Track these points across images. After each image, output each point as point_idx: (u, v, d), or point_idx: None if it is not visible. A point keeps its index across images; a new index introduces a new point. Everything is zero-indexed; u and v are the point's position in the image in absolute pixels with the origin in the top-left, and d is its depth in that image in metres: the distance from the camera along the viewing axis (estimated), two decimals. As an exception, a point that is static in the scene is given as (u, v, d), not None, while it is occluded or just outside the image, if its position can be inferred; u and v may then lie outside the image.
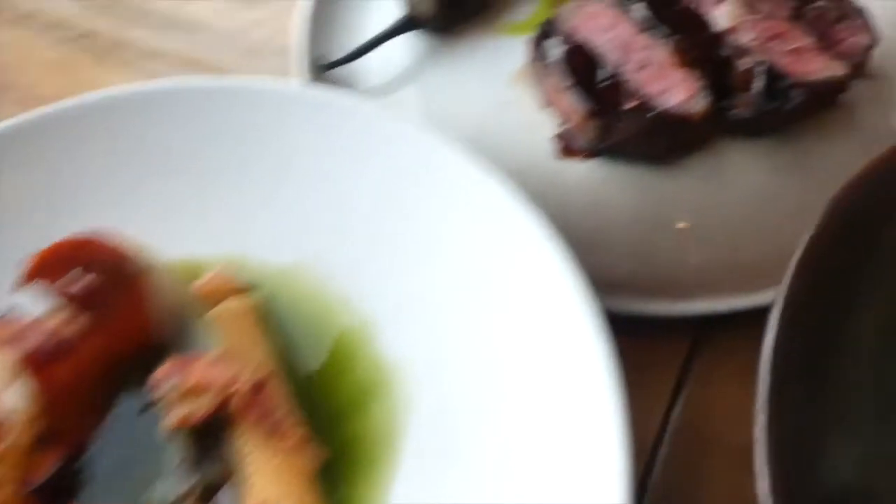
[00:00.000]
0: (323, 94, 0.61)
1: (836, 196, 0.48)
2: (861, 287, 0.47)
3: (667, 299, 0.57)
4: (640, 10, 0.65)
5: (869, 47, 0.65)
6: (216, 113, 0.59)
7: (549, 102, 0.66)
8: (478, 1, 0.72)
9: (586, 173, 0.64)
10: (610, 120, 0.61)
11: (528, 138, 0.66)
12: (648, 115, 0.61)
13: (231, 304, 0.54)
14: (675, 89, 0.61)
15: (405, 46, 0.71)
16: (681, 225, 0.61)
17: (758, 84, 0.61)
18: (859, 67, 0.66)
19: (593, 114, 0.62)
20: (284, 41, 0.72)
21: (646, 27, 0.64)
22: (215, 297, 0.54)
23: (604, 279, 0.56)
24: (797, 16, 0.66)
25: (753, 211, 0.61)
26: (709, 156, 0.64)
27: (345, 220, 0.57)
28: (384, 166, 0.58)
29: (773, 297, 0.44)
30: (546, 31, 0.66)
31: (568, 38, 0.65)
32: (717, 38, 0.64)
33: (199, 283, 0.55)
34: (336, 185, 0.58)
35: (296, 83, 0.66)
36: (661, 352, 0.57)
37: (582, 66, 0.64)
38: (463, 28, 0.73)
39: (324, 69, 0.69)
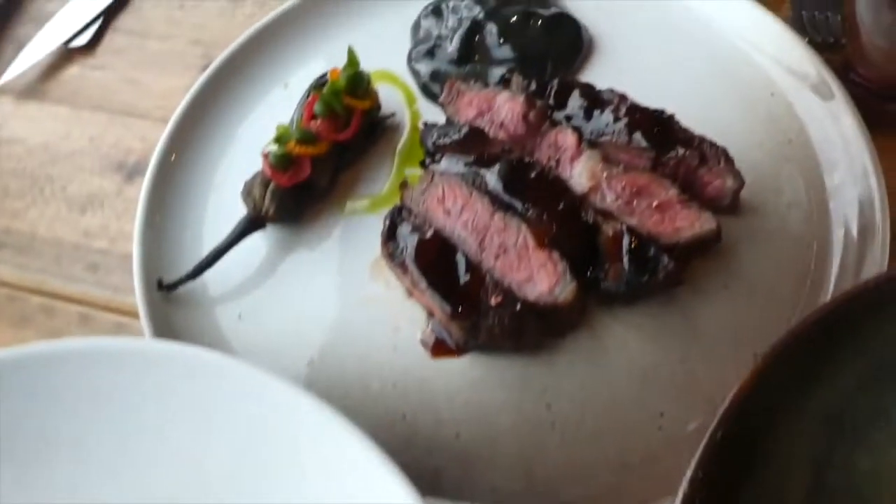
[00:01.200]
0: (164, 349, 0.55)
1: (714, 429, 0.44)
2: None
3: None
4: (493, 184, 0.61)
5: (737, 190, 0.62)
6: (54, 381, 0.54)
7: (412, 295, 0.61)
8: (322, 188, 0.67)
9: (461, 372, 0.59)
10: (475, 319, 0.57)
11: (395, 339, 0.61)
12: (514, 309, 0.56)
13: None
14: (538, 276, 0.57)
15: (255, 247, 0.66)
16: (564, 419, 0.56)
17: (626, 259, 0.57)
18: (729, 210, 0.63)
19: (456, 315, 0.57)
20: (127, 248, 0.66)
21: (500, 206, 0.60)
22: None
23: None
24: (658, 165, 0.62)
25: (637, 394, 0.57)
26: (586, 333, 0.59)
27: (197, 478, 0.52)
28: (235, 423, 0.52)
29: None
30: (395, 221, 0.61)
31: (419, 227, 0.60)
32: (579, 203, 0.60)
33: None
34: (186, 441, 0.52)
35: (134, 341, 0.60)
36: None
37: (438, 258, 0.59)
38: (314, 214, 0.68)
39: (170, 288, 0.63)
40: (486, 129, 0.65)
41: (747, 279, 0.61)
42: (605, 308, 0.60)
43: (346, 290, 0.64)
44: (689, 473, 0.41)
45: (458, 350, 0.59)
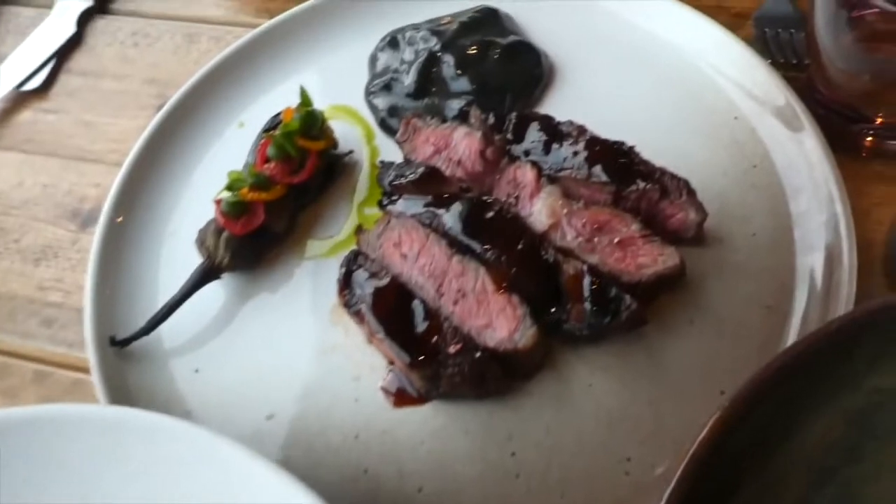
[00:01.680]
0: (113, 415, 0.54)
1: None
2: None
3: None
4: (451, 226, 0.60)
5: (700, 222, 0.60)
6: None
7: (371, 342, 0.60)
8: (279, 232, 0.65)
9: (424, 421, 0.57)
10: (435, 368, 0.55)
11: (356, 389, 0.59)
12: (474, 357, 0.55)
13: None
14: (498, 321, 0.56)
15: (212, 297, 0.64)
16: (529, 467, 0.54)
17: (588, 300, 0.55)
18: (695, 241, 0.61)
19: (415, 365, 0.55)
20: (82, 301, 0.64)
21: (458, 249, 0.58)
22: None
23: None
24: (619, 199, 0.61)
25: (603, 439, 0.55)
26: (552, 374, 0.58)
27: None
28: (188, 489, 0.51)
29: None
30: (350, 267, 0.60)
31: (375, 273, 0.59)
32: (539, 242, 0.59)
33: None
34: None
35: (83, 408, 0.58)
36: None
37: (395, 306, 0.58)
38: (272, 260, 0.66)
39: (123, 343, 0.61)
40: (444, 167, 0.64)
41: (714, 313, 0.59)
42: (570, 347, 0.59)
43: (305, 338, 0.62)
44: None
45: (421, 398, 0.57)
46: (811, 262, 0.59)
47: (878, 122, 0.66)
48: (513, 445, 0.55)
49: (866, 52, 0.63)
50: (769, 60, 0.70)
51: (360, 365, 0.60)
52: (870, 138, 0.67)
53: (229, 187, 0.63)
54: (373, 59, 0.76)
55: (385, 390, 0.58)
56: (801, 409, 0.46)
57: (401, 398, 0.58)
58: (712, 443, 0.43)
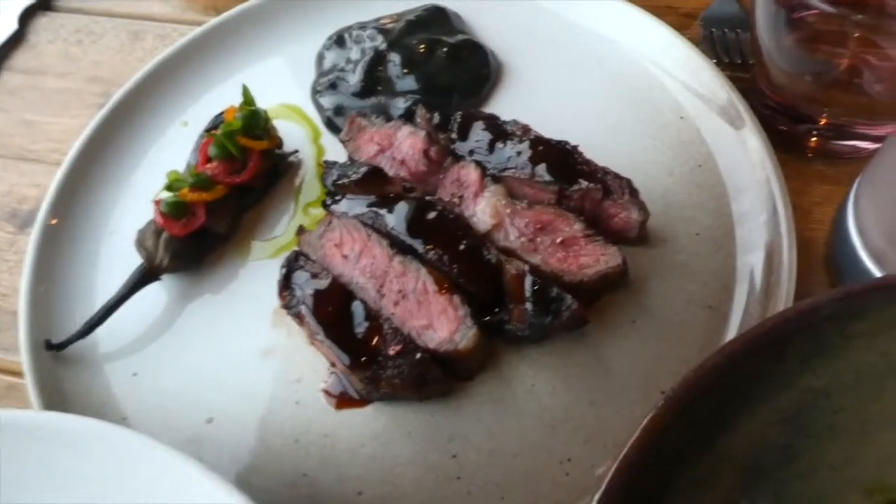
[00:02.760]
0: (44, 420, 0.53)
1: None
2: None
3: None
4: (393, 226, 0.59)
5: (642, 222, 0.60)
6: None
7: (313, 344, 0.59)
8: (222, 233, 0.64)
9: (365, 423, 0.56)
10: (375, 370, 0.54)
11: (297, 391, 0.58)
12: (414, 358, 0.54)
13: None
14: (438, 322, 0.55)
15: (152, 299, 0.63)
16: (471, 470, 0.54)
17: (529, 300, 0.55)
18: (639, 241, 0.61)
19: (355, 367, 0.54)
20: (16, 305, 0.63)
21: (400, 250, 0.58)
22: None
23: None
24: (562, 199, 0.60)
25: (545, 440, 0.55)
26: (494, 375, 0.57)
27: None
28: (122, 494, 0.50)
29: None
30: (291, 268, 0.59)
31: (316, 275, 0.58)
32: (482, 242, 0.58)
33: None
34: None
35: (11, 414, 0.56)
36: None
37: (336, 307, 0.57)
38: (214, 260, 0.65)
39: (59, 347, 0.60)
40: (387, 167, 0.63)
41: (657, 313, 0.59)
42: (513, 348, 0.58)
43: (246, 340, 0.61)
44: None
45: (362, 401, 0.57)
46: (752, 261, 0.59)
47: (822, 123, 0.66)
48: (454, 447, 0.55)
49: (807, 53, 0.63)
50: (714, 60, 0.71)
51: (302, 367, 0.59)
52: (815, 139, 0.67)
53: (169, 187, 0.62)
54: (319, 58, 0.75)
55: (326, 392, 0.58)
56: (734, 409, 0.46)
57: (342, 400, 0.57)
58: (644, 445, 0.42)
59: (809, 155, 0.68)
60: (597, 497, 0.41)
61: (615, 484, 0.41)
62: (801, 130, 0.67)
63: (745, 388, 0.46)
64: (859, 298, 0.45)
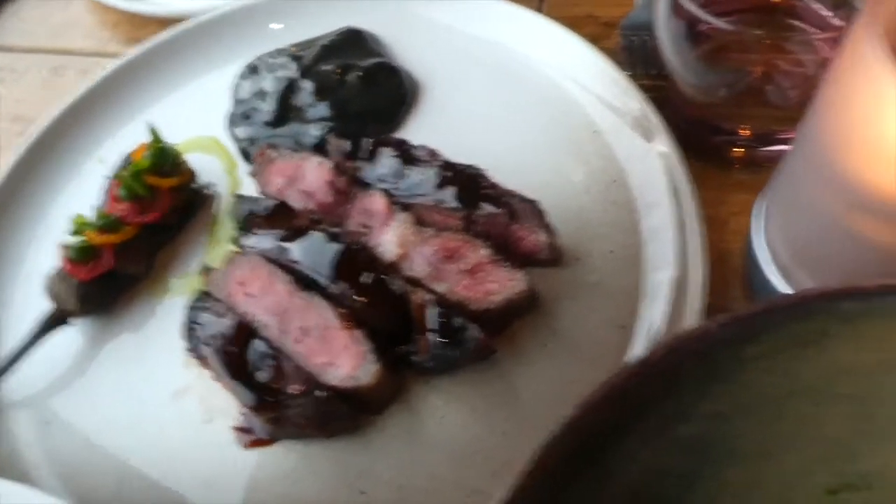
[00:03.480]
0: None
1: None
2: None
3: None
4: (297, 261, 0.58)
5: (551, 243, 0.59)
6: None
7: (220, 383, 0.58)
8: (134, 274, 0.64)
9: (275, 463, 0.56)
10: (279, 410, 0.54)
11: (209, 433, 0.58)
12: (317, 397, 0.53)
13: None
14: (340, 358, 0.54)
15: (63, 343, 0.62)
16: (384, 507, 0.53)
17: (433, 331, 0.54)
18: (552, 262, 0.61)
19: (258, 408, 0.54)
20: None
21: (304, 285, 0.57)
22: None
23: None
24: (470, 224, 0.60)
25: (455, 473, 0.54)
26: (403, 408, 0.57)
27: None
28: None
29: None
30: (196, 308, 0.58)
31: (220, 314, 0.57)
32: (388, 273, 0.58)
33: None
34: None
35: None
36: None
37: (239, 347, 0.56)
38: (128, 301, 0.64)
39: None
40: (295, 199, 0.63)
41: (569, 336, 0.58)
42: (423, 379, 0.58)
43: (159, 382, 0.60)
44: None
45: (270, 440, 0.56)
46: (663, 278, 0.59)
47: (745, 134, 0.65)
48: (362, 484, 0.54)
49: (716, 65, 0.62)
50: (629, 72, 0.70)
51: (213, 408, 0.59)
52: (739, 149, 0.66)
53: (74, 232, 0.61)
54: (235, 88, 0.74)
55: (237, 431, 0.57)
56: (628, 441, 0.45)
57: (253, 440, 0.57)
58: (528, 482, 0.42)
59: (736, 166, 0.67)
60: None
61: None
62: (718, 142, 0.66)
63: (638, 418, 0.45)
64: (749, 323, 0.44)
